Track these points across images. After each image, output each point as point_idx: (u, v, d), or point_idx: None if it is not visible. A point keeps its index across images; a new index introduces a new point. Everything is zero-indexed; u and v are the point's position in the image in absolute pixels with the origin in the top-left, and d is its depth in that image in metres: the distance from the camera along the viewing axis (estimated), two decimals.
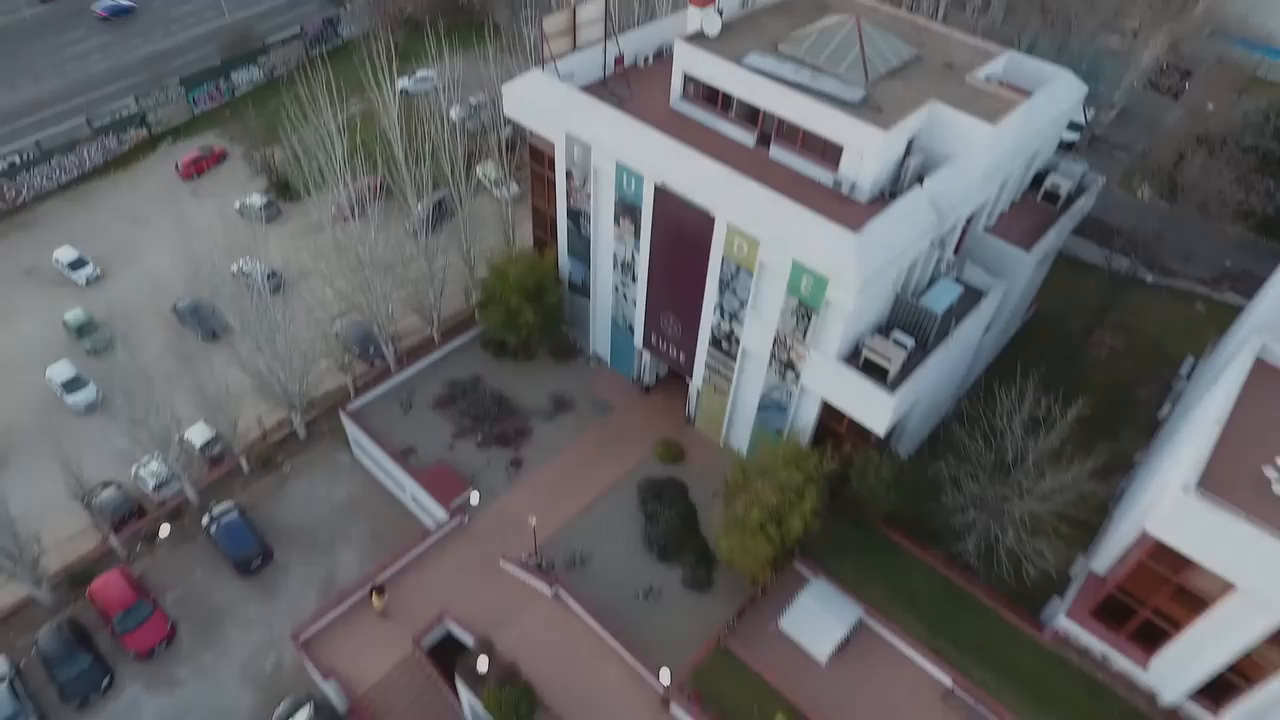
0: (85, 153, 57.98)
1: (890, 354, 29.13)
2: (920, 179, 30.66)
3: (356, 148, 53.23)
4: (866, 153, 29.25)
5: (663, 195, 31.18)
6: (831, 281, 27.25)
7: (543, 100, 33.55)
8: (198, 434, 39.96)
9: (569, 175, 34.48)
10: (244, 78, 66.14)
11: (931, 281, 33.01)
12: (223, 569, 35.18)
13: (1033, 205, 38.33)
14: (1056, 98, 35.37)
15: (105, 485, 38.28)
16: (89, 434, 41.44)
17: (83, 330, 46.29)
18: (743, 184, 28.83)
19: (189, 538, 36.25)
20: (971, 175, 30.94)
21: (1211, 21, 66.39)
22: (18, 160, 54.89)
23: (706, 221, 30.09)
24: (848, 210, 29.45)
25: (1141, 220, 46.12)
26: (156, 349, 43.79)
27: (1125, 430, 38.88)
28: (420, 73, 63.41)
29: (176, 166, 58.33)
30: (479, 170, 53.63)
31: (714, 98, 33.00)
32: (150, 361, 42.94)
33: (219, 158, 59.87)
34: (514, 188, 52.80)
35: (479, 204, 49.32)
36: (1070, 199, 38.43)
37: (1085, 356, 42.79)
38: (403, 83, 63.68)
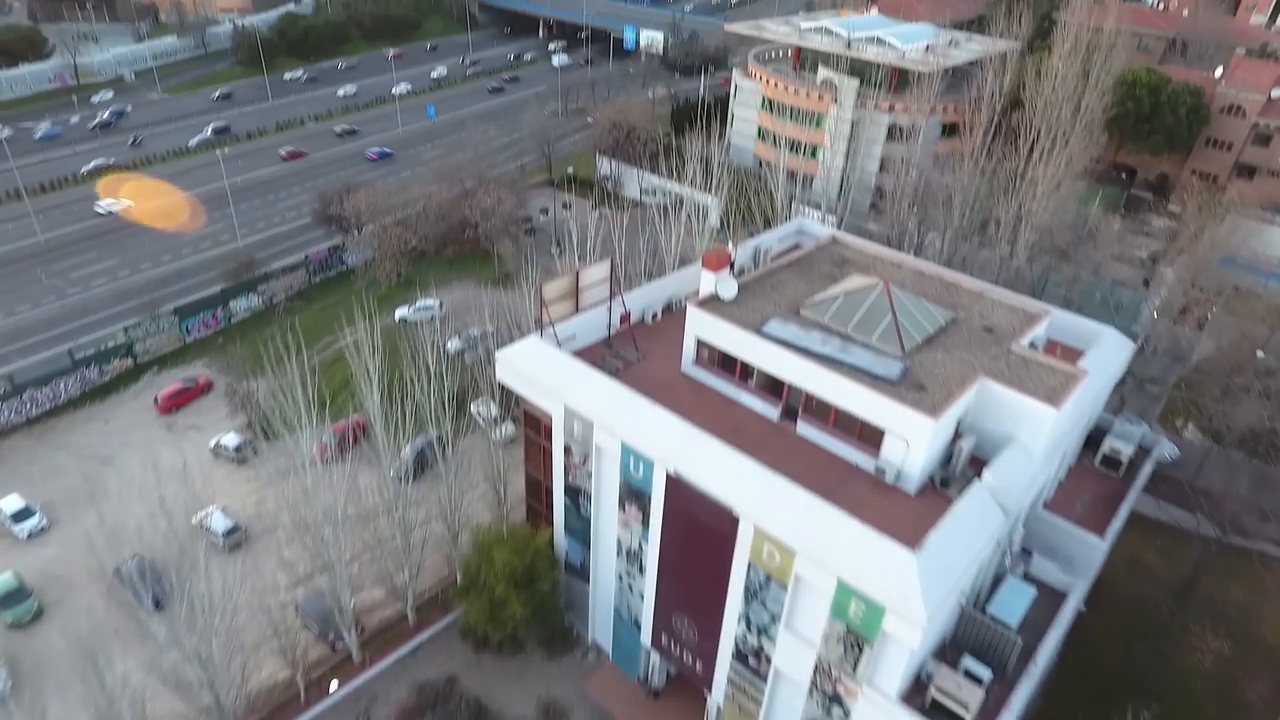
0: (61, 386, 54.92)
1: (965, 695, 23.18)
2: (974, 463, 26.46)
3: (340, 387, 49.96)
4: (914, 440, 25.12)
5: (676, 485, 26.70)
6: (889, 611, 21.96)
7: (540, 371, 30.04)
8: None
9: (568, 450, 30.30)
10: (242, 305, 64.85)
11: (996, 581, 27.72)
12: None
13: (1090, 471, 33.95)
14: (1107, 360, 32.14)
15: None
16: None
17: (8, 599, 40.36)
18: (774, 482, 24.34)
19: None
20: (1035, 460, 26.67)
21: (1220, 249, 66.03)
22: None
23: (729, 520, 25.34)
24: (895, 505, 24.96)
25: (1201, 468, 41.59)
26: (88, 624, 37.85)
27: None
28: (421, 301, 61.96)
29: (156, 400, 54.93)
30: (474, 407, 50.09)
31: (731, 365, 29.56)
32: (74, 643, 36.89)
33: (204, 389, 56.60)
34: (509, 428, 49.13)
35: (471, 443, 44.98)
36: (1133, 464, 34.14)
37: (1170, 642, 36.49)
38: (402, 311, 62.25)
